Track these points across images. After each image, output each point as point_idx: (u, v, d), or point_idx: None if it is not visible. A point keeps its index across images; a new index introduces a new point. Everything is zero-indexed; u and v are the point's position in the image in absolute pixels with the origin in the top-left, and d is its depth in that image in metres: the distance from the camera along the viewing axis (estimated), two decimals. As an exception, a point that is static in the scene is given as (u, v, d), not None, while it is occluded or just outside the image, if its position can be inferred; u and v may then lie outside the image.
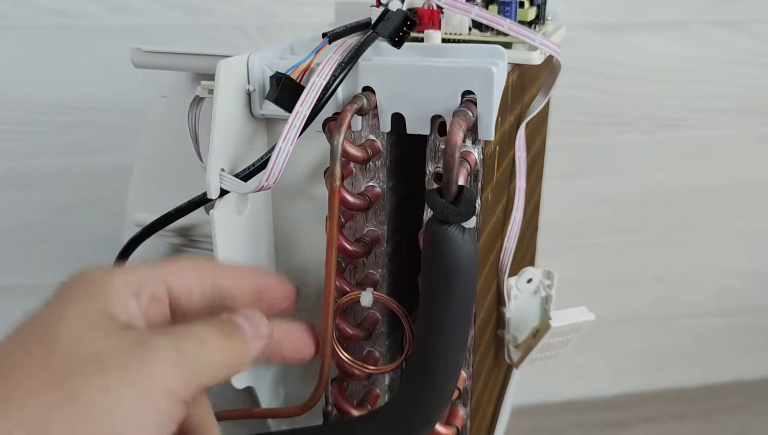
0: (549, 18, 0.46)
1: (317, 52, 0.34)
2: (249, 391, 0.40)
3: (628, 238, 0.89)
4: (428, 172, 0.35)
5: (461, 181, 0.32)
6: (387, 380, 0.40)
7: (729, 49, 0.80)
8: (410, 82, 0.33)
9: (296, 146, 0.33)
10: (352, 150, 0.34)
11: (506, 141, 0.40)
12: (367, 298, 0.35)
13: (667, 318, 0.94)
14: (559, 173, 0.82)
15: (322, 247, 0.35)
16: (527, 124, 0.42)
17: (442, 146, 0.34)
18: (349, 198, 0.35)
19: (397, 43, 0.32)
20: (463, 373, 0.39)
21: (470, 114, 0.32)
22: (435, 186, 0.35)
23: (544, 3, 0.44)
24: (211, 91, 0.34)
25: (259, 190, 0.32)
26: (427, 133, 0.34)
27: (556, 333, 0.42)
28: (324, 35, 0.35)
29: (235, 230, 0.35)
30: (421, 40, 0.38)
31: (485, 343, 0.43)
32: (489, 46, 0.34)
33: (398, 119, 0.34)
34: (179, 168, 0.38)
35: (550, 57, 0.40)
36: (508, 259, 0.42)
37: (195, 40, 0.71)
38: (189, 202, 0.34)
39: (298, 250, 0.39)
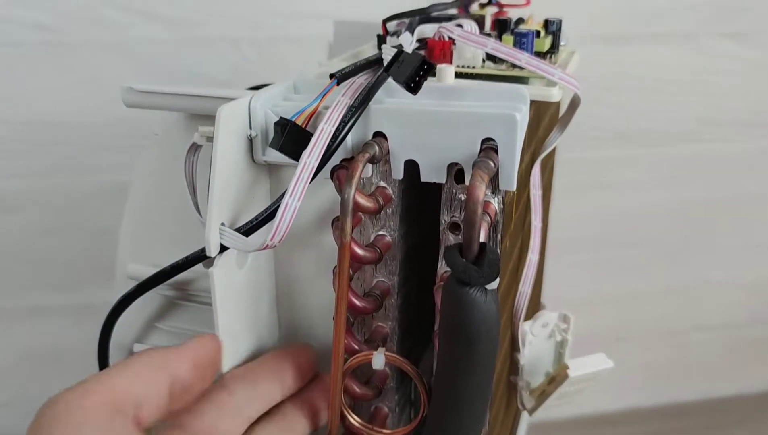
0: (563, 44, 0.44)
1: (324, 95, 0.32)
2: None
3: (630, 252, 0.87)
4: (443, 222, 0.33)
5: (482, 237, 0.30)
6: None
7: (737, 61, 0.78)
8: (426, 128, 0.31)
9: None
10: (364, 201, 0.31)
11: (522, 179, 0.38)
12: (379, 360, 0.32)
13: (671, 333, 0.92)
14: (562, 187, 0.80)
15: (327, 299, 0.32)
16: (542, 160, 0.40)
17: (460, 195, 0.32)
18: (360, 251, 0.32)
19: (413, 89, 0.29)
20: (479, 431, 0.37)
21: (492, 164, 0.30)
22: (450, 236, 0.33)
23: (559, 30, 0.41)
24: (209, 139, 0.31)
25: (263, 249, 0.30)
26: (443, 181, 0.32)
27: (574, 382, 0.40)
28: (332, 76, 0.32)
29: (235, 286, 0.33)
30: (432, 73, 0.35)
31: (500, 392, 0.41)
32: (510, 87, 0.32)
33: (411, 166, 0.32)
34: (174, 214, 0.35)
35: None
36: (523, 304, 0.40)
37: (182, 55, 0.68)
38: (186, 258, 0.32)
39: (302, 302, 0.37)
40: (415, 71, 0.29)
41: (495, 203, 0.32)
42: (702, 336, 0.93)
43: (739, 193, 0.86)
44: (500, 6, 0.45)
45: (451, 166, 0.31)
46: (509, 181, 0.31)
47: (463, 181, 0.32)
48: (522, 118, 0.30)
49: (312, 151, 0.30)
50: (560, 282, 0.86)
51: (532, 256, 0.40)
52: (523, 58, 0.35)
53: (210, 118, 0.31)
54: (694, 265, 0.89)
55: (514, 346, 0.41)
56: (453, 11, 0.44)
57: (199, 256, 0.31)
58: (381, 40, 0.39)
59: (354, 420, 0.34)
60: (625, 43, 0.76)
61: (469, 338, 0.29)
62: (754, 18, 0.76)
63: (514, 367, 0.42)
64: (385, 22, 0.39)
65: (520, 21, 0.44)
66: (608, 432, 0.90)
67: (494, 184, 0.31)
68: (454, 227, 0.33)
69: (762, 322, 0.94)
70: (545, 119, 0.42)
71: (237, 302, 0.33)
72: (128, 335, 0.37)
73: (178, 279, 0.34)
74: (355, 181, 0.30)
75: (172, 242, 0.34)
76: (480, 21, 0.43)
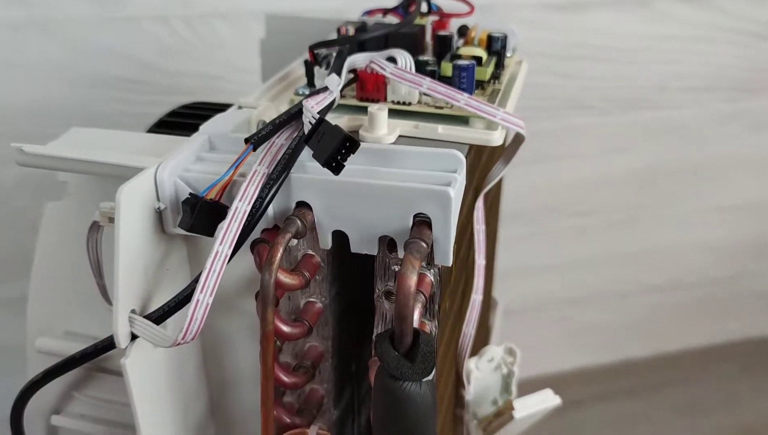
0: (509, 55, 0.40)
1: (239, 164, 0.28)
2: None
3: (587, 220, 0.86)
4: (377, 290, 0.31)
5: (416, 321, 0.28)
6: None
7: (693, 26, 0.75)
8: (354, 200, 0.28)
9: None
10: (288, 280, 0.29)
11: (464, 215, 0.36)
12: (311, 442, 0.30)
13: (623, 295, 0.93)
14: (519, 160, 0.78)
15: (256, 359, 0.30)
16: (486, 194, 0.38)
17: (393, 266, 0.30)
18: (286, 329, 0.30)
19: (335, 169, 0.26)
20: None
21: (424, 245, 0.27)
22: (386, 304, 0.31)
23: (503, 47, 0.38)
24: (111, 219, 0.28)
25: (176, 345, 0.27)
26: (374, 253, 0.29)
27: (521, 419, 0.39)
28: (247, 141, 0.29)
29: (153, 367, 0.30)
30: (365, 109, 0.32)
31: (445, 426, 0.40)
32: (446, 153, 0.29)
33: (341, 234, 0.29)
34: (89, 278, 0.32)
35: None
36: (467, 345, 0.38)
37: (109, 36, 0.62)
38: (96, 346, 0.29)
39: (230, 363, 0.34)
40: (336, 150, 0.26)
41: (431, 275, 0.29)
42: (651, 297, 0.94)
43: (691, 158, 0.85)
44: (441, 15, 0.41)
45: (383, 237, 0.29)
46: (445, 257, 0.28)
47: (396, 251, 0.29)
48: (457, 190, 0.27)
49: (225, 238, 0.27)
50: (514, 250, 0.85)
51: (476, 297, 0.38)
52: (462, 99, 0.32)
53: (122, 180, 0.27)
54: (646, 231, 0.88)
55: (459, 382, 0.40)
56: (390, 23, 0.40)
57: (111, 344, 0.29)
58: (309, 67, 0.36)
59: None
60: (578, 10, 0.73)
61: (404, 433, 0.27)
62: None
63: (460, 401, 0.41)
64: (312, 49, 0.35)
65: (463, 30, 0.40)
66: (558, 395, 0.91)
67: (429, 259, 0.29)
68: (389, 295, 0.31)
69: (709, 282, 0.95)
70: (486, 150, 0.39)
71: (156, 383, 0.31)
72: (46, 404, 0.34)
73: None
74: (274, 267, 0.27)
75: (84, 314, 0.31)
76: (420, 32, 0.40)
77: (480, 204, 0.37)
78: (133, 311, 0.28)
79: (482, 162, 0.38)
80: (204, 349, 0.34)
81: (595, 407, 0.90)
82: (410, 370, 0.26)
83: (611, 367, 0.96)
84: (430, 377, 0.27)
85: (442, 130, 0.33)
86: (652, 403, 0.91)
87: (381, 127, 0.32)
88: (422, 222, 0.28)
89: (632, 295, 0.93)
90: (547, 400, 0.39)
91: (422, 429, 0.27)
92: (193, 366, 0.34)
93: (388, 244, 0.29)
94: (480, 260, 0.38)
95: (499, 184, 0.50)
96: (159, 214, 0.29)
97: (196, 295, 0.26)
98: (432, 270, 0.29)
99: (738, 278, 0.95)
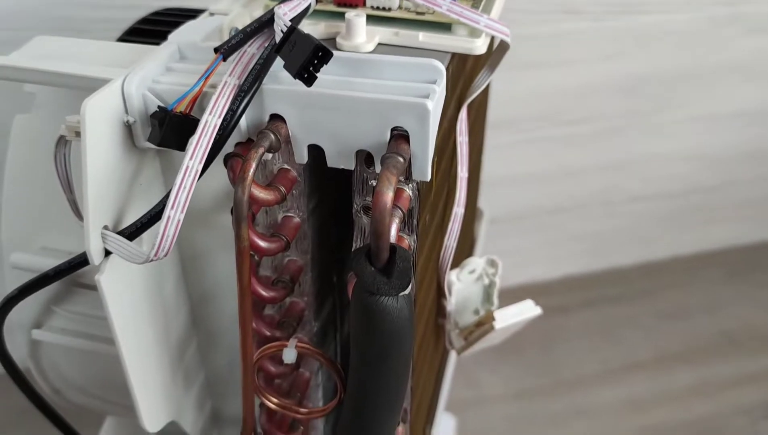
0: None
1: (209, 75, 0.27)
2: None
3: (576, 129, 0.84)
4: (355, 205, 0.30)
5: (393, 237, 0.27)
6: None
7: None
8: (329, 113, 0.27)
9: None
10: (262, 195, 0.28)
11: (445, 127, 0.35)
12: (290, 354, 0.31)
13: (610, 203, 0.93)
14: (505, 66, 0.76)
15: (234, 271, 0.30)
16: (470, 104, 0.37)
17: (371, 181, 0.29)
18: (263, 244, 0.30)
19: (307, 81, 0.25)
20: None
21: (401, 160, 0.26)
22: (364, 218, 0.30)
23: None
24: (78, 133, 0.27)
25: (149, 262, 0.27)
26: (351, 167, 0.29)
27: (501, 329, 0.39)
28: (216, 50, 0.27)
29: (130, 282, 0.30)
30: (343, 15, 0.31)
31: (427, 334, 0.40)
32: (426, 63, 0.27)
33: (316, 148, 0.28)
34: (59, 197, 0.31)
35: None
36: (449, 257, 0.38)
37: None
38: (70, 263, 0.29)
39: (210, 276, 0.34)
40: (308, 60, 0.25)
41: (409, 190, 0.29)
42: (638, 206, 0.94)
43: (685, 65, 0.83)
44: None
45: (360, 151, 0.28)
46: (423, 172, 0.28)
47: (373, 165, 0.28)
48: (436, 102, 0.26)
49: (195, 153, 0.26)
50: (501, 159, 0.85)
51: (458, 210, 0.37)
52: (444, 4, 0.31)
53: (89, 92, 0.26)
54: (635, 139, 0.87)
55: (441, 293, 0.40)
56: None
57: (85, 261, 0.28)
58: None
59: (271, 403, 0.33)
60: None
61: (381, 347, 0.27)
62: None
63: (441, 310, 0.41)
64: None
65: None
66: (543, 301, 0.92)
67: (408, 174, 0.28)
68: (367, 210, 0.30)
69: (697, 190, 0.94)
70: (470, 59, 0.37)
71: (133, 298, 0.30)
72: (26, 319, 0.35)
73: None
74: (247, 183, 0.26)
75: (58, 229, 0.31)
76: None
77: (463, 115, 0.36)
78: (106, 227, 0.28)
79: (466, 71, 0.37)
80: (183, 263, 0.34)
81: (580, 313, 0.92)
82: (386, 285, 0.26)
83: (598, 274, 0.98)
84: (406, 292, 0.27)
85: (423, 37, 0.31)
86: (636, 309, 0.92)
87: (359, 34, 0.30)
88: (400, 136, 0.27)
89: (619, 204, 0.93)
90: (526, 310, 0.39)
91: (399, 343, 0.27)
92: (172, 280, 0.34)
93: (365, 158, 0.29)
94: (462, 173, 0.37)
95: (485, 94, 0.49)
96: (129, 128, 0.28)
97: (167, 212, 0.26)
98: (410, 184, 0.29)
99: (725, 186, 0.95)
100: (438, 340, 0.44)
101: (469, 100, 0.36)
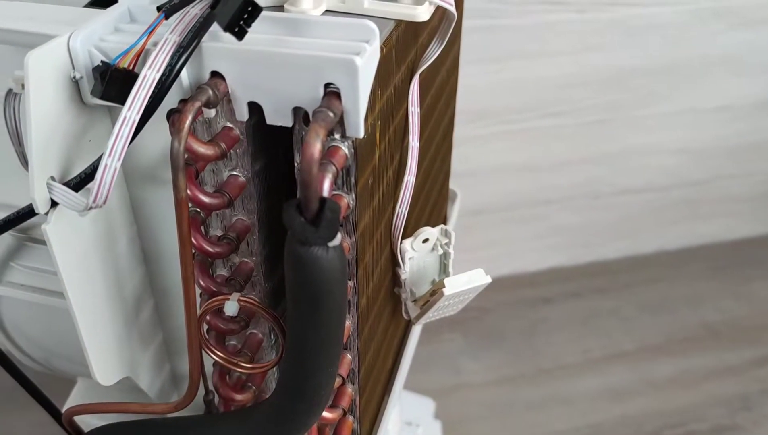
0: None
1: (151, 32, 0.28)
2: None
3: (559, 121, 0.85)
4: (297, 164, 0.31)
5: (326, 190, 0.28)
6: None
7: None
8: (264, 69, 0.28)
9: (146, 130, 0.28)
10: (202, 149, 0.29)
11: (397, 94, 0.36)
12: (231, 307, 0.32)
13: (597, 196, 0.93)
14: (489, 57, 0.77)
15: None
16: (421, 73, 0.38)
17: (309, 139, 0.30)
18: (205, 199, 0.31)
19: (237, 35, 0.26)
20: (348, 356, 0.38)
21: (331, 115, 0.27)
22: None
23: None
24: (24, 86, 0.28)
25: (90, 210, 0.28)
26: (290, 125, 0.30)
27: (451, 296, 0.40)
28: (159, 8, 0.28)
29: (78, 235, 0.31)
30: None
31: (380, 301, 0.41)
32: (357, 21, 0.29)
33: (257, 105, 0.30)
34: (9, 150, 0.32)
35: None
36: (400, 225, 0.39)
37: None
38: (18, 213, 0.30)
39: (163, 236, 0.35)
40: (237, 14, 0.26)
41: (345, 148, 0.30)
42: (624, 199, 0.94)
43: (671, 58, 0.84)
44: None
45: (297, 108, 0.29)
46: (356, 128, 0.29)
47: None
48: (366, 61, 0.27)
49: (132, 104, 0.27)
50: (488, 149, 0.85)
51: (409, 178, 0.38)
52: (386, -28, 0.32)
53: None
54: (621, 132, 0.88)
55: (395, 262, 0.41)
56: None
57: (32, 211, 0.30)
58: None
59: (217, 356, 0.34)
60: None
61: (312, 297, 0.28)
62: None
63: (397, 280, 0.42)
64: None
65: None
66: (528, 291, 0.93)
67: (342, 130, 0.29)
68: (307, 168, 0.31)
69: (683, 184, 0.95)
70: (425, 30, 0.38)
71: (83, 252, 0.32)
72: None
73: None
74: (183, 134, 0.27)
75: (12, 179, 0.32)
76: None
77: (415, 86, 0.37)
78: (53, 178, 0.29)
79: (419, 42, 0.38)
80: (138, 223, 0.35)
81: (564, 304, 0.93)
82: (314, 234, 0.27)
83: (583, 267, 0.98)
84: (336, 243, 0.28)
85: (368, 4, 0.32)
86: (620, 301, 0.93)
87: (306, 1, 0.31)
88: (332, 92, 0.28)
89: (605, 196, 0.94)
90: (477, 279, 0.40)
91: (330, 294, 0.28)
92: (125, 240, 0.35)
93: (303, 117, 0.30)
94: (414, 142, 0.38)
95: (453, 72, 0.50)
96: (76, 84, 0.29)
97: (104, 160, 0.27)
98: (346, 142, 0.30)
99: (711, 181, 0.96)
100: (396, 311, 0.45)
101: (420, 70, 0.37)
